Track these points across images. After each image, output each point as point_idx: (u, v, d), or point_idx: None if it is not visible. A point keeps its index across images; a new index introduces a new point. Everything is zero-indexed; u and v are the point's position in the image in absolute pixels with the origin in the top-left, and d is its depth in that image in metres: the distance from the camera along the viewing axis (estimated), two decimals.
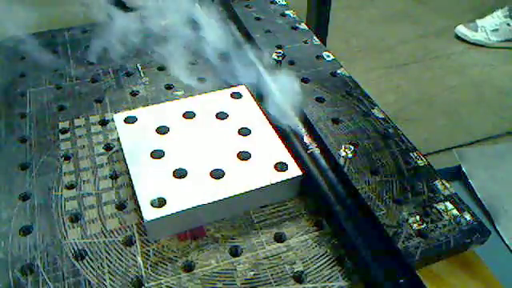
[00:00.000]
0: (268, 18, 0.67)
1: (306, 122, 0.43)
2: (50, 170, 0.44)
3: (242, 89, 0.48)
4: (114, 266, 0.37)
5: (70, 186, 0.43)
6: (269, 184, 0.39)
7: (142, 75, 0.56)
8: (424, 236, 0.39)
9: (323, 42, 1.04)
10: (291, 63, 0.58)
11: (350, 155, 0.41)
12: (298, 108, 0.44)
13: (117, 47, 0.55)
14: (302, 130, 0.42)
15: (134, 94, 0.53)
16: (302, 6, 1.08)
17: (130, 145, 0.42)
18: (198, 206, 0.37)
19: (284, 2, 0.71)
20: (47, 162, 0.45)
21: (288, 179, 0.40)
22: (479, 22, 1.66)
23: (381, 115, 0.51)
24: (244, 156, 0.41)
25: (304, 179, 0.40)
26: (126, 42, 0.56)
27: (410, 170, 0.45)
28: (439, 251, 0.38)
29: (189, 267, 0.37)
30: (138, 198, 0.37)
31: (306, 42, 0.62)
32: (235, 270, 0.36)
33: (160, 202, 0.37)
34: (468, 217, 0.41)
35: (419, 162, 0.46)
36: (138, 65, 0.58)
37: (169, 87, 0.54)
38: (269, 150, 0.42)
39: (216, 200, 0.38)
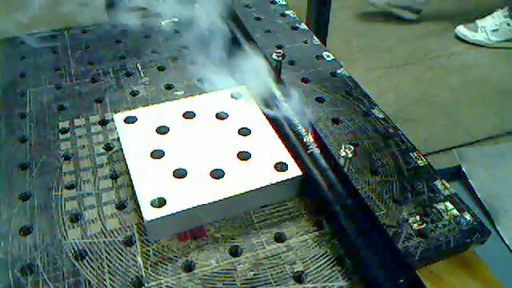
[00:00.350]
0: (268, 18, 0.67)
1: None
2: (50, 170, 0.44)
3: (242, 89, 0.48)
4: (114, 265, 0.37)
5: (70, 186, 0.43)
6: (269, 184, 0.39)
7: (142, 75, 0.56)
8: (424, 236, 0.39)
9: (323, 42, 1.04)
10: (291, 63, 0.58)
11: (350, 155, 0.41)
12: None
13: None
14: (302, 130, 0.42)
15: (133, 94, 0.53)
16: (302, 6, 1.08)
17: (130, 145, 0.42)
18: (198, 205, 0.37)
19: (284, 2, 0.71)
20: (47, 162, 0.45)
21: (288, 179, 0.40)
22: (479, 22, 1.66)
23: (381, 115, 0.51)
24: (244, 156, 0.41)
25: (304, 179, 0.40)
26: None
27: (410, 170, 0.45)
28: (439, 251, 0.38)
29: (189, 267, 0.37)
30: (138, 198, 0.37)
31: (306, 42, 0.62)
32: (235, 270, 0.36)
33: (160, 202, 0.37)
34: (468, 217, 0.41)
35: (419, 162, 0.46)
36: (138, 65, 0.58)
37: (169, 87, 0.54)
38: (269, 149, 0.42)
39: (216, 200, 0.38)
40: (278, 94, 0.45)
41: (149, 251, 0.38)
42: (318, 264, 0.37)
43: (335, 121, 0.50)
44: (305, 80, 0.56)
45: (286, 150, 0.42)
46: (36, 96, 0.53)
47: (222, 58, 0.53)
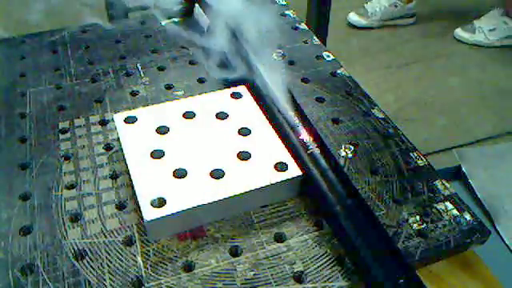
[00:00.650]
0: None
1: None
2: (50, 170, 0.44)
3: (241, 89, 0.48)
4: (114, 265, 0.37)
5: (70, 186, 0.43)
6: (269, 184, 0.39)
7: (142, 75, 0.56)
8: (424, 236, 0.39)
9: (323, 42, 1.04)
10: (291, 63, 0.58)
11: (350, 155, 0.41)
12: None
13: None
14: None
15: (134, 93, 0.53)
16: (302, 6, 1.08)
17: (130, 145, 0.42)
18: (198, 205, 0.37)
19: (284, 2, 0.71)
20: (47, 162, 0.45)
21: (288, 179, 0.40)
22: (476, 22, 1.66)
23: (381, 115, 0.51)
24: (244, 156, 0.41)
25: (304, 179, 0.40)
26: None
27: (410, 170, 0.45)
28: (439, 251, 0.38)
29: (189, 267, 0.37)
30: (138, 198, 0.37)
31: (306, 42, 0.62)
32: (235, 270, 0.36)
33: (160, 202, 0.37)
34: (468, 217, 0.41)
35: (419, 161, 0.46)
36: (138, 65, 0.58)
37: (169, 87, 0.54)
38: (269, 149, 0.42)
39: (216, 200, 0.38)
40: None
41: (149, 251, 0.38)
42: (318, 264, 0.37)
43: (335, 121, 0.50)
44: (305, 80, 0.56)
45: (286, 150, 0.42)
46: (36, 96, 0.53)
47: None
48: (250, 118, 0.45)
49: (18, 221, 0.40)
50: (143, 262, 0.37)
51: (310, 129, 0.42)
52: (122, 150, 0.43)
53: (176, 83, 0.55)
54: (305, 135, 0.41)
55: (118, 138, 0.44)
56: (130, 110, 0.47)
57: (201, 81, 0.55)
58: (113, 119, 0.46)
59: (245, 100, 0.47)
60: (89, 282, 0.35)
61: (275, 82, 0.44)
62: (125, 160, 0.41)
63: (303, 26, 0.66)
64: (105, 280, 0.36)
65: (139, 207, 0.37)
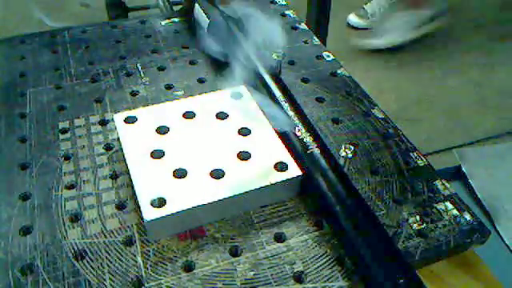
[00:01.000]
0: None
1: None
2: (50, 170, 0.44)
3: (241, 89, 0.48)
4: (114, 265, 0.37)
5: (70, 186, 0.43)
6: (269, 184, 0.39)
7: (142, 75, 0.56)
8: (424, 236, 0.39)
9: (323, 42, 1.04)
10: (291, 63, 0.58)
11: (350, 155, 0.41)
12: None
13: None
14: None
15: (133, 93, 0.53)
16: (302, 6, 1.08)
17: (130, 145, 0.42)
18: (198, 205, 0.37)
19: (284, 2, 0.71)
20: (47, 162, 0.45)
21: (288, 179, 0.40)
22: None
23: (381, 115, 0.51)
24: (244, 156, 0.41)
25: (304, 179, 0.40)
26: None
27: (410, 170, 0.45)
28: (439, 251, 0.38)
29: (189, 267, 0.37)
30: (138, 198, 0.37)
31: (306, 42, 0.62)
32: (235, 270, 0.36)
33: (160, 202, 0.37)
34: (468, 217, 0.41)
35: (419, 161, 0.46)
36: (138, 65, 0.58)
37: (169, 87, 0.54)
38: (269, 149, 0.42)
39: (216, 200, 0.38)
40: None
41: (149, 251, 0.38)
42: (318, 264, 0.37)
43: (335, 121, 0.50)
44: (305, 80, 0.56)
45: (286, 150, 0.42)
46: (36, 96, 0.53)
47: None
48: (249, 118, 0.45)
49: (17, 221, 0.40)
50: (143, 261, 0.37)
51: (310, 129, 0.42)
52: (121, 149, 0.43)
53: (176, 83, 0.55)
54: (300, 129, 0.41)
55: (118, 138, 0.44)
56: (130, 109, 0.47)
57: (201, 81, 0.55)
58: (113, 119, 0.46)
59: (245, 100, 0.47)
60: (89, 282, 0.35)
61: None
62: (125, 160, 0.41)
63: (303, 25, 0.66)
64: (105, 280, 0.36)
65: (139, 207, 0.37)
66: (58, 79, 0.56)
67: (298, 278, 0.36)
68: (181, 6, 0.69)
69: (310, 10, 1.13)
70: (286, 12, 0.69)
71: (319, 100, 0.53)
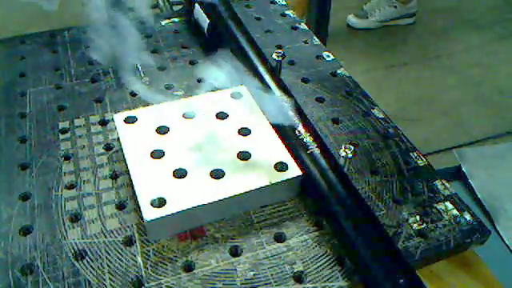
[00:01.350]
0: (268, 18, 0.67)
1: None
2: (50, 170, 0.44)
3: (241, 89, 0.48)
4: (114, 265, 0.37)
5: (70, 186, 0.43)
6: (269, 184, 0.39)
7: (142, 75, 0.56)
8: (424, 236, 0.39)
9: (323, 42, 1.04)
10: (291, 63, 0.58)
11: (350, 155, 0.41)
12: None
13: None
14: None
15: (134, 94, 0.53)
16: None
17: (130, 145, 0.42)
18: (198, 205, 0.37)
19: (284, 2, 0.71)
20: (47, 162, 0.45)
21: (288, 179, 0.40)
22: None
23: (381, 115, 0.51)
24: (244, 156, 0.41)
25: (304, 179, 0.40)
26: None
27: (410, 170, 0.45)
28: (439, 251, 0.38)
29: (189, 267, 0.37)
30: (138, 198, 0.37)
31: (306, 42, 0.62)
32: (235, 270, 0.36)
33: (160, 202, 0.37)
34: (468, 217, 0.41)
35: (419, 161, 0.46)
36: (138, 65, 0.58)
37: (169, 87, 0.54)
38: (269, 149, 0.42)
39: (216, 200, 0.38)
40: None
41: (149, 251, 0.38)
42: (318, 264, 0.37)
43: (335, 121, 0.50)
44: (305, 80, 0.56)
45: (286, 150, 0.42)
46: (36, 96, 0.53)
47: None
48: (249, 118, 0.45)
49: (18, 221, 0.40)
50: (143, 261, 0.37)
51: (310, 129, 0.42)
52: (122, 149, 0.43)
53: (176, 83, 0.55)
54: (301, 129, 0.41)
55: (118, 138, 0.44)
56: (130, 110, 0.47)
57: (201, 81, 0.55)
58: (113, 119, 0.46)
59: (245, 100, 0.47)
60: (89, 282, 0.35)
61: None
62: (125, 160, 0.41)
63: (303, 26, 0.66)
64: (105, 280, 0.36)
65: (139, 207, 0.37)
66: (58, 79, 0.56)
67: (298, 278, 0.36)
68: (181, 6, 0.69)
69: (310, 10, 1.13)
70: (286, 12, 0.69)
71: (319, 100, 0.53)
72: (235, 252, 0.38)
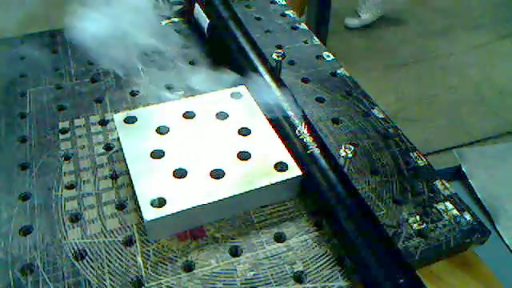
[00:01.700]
0: (268, 18, 0.67)
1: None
2: (50, 170, 0.44)
3: (241, 89, 0.48)
4: (114, 265, 0.37)
5: (70, 186, 0.43)
6: (269, 184, 0.39)
7: (142, 75, 0.56)
8: (424, 236, 0.39)
9: (323, 42, 1.04)
10: (291, 63, 0.58)
11: (350, 155, 0.41)
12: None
13: None
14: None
15: (133, 94, 0.53)
16: None
17: (130, 145, 0.42)
18: (198, 205, 0.37)
19: (284, 2, 0.71)
20: (47, 162, 0.45)
21: (288, 179, 0.40)
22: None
23: (381, 115, 0.51)
24: (244, 156, 0.41)
25: (304, 179, 0.40)
26: None
27: (410, 170, 0.45)
28: (439, 251, 0.38)
29: (189, 267, 0.37)
30: (138, 198, 0.37)
31: (306, 42, 0.62)
32: (235, 270, 0.36)
33: (160, 202, 0.37)
34: (468, 217, 0.41)
35: (419, 161, 0.46)
36: (138, 65, 0.58)
37: (169, 87, 0.54)
38: (269, 149, 0.42)
39: (216, 200, 0.38)
40: None
41: (149, 251, 0.38)
42: (318, 264, 0.37)
43: (335, 121, 0.50)
44: (305, 80, 0.56)
45: (286, 150, 0.42)
46: (36, 96, 0.53)
47: None
48: (249, 118, 0.45)
49: (18, 221, 0.40)
50: (143, 261, 0.37)
51: (310, 129, 0.42)
52: (121, 149, 0.43)
53: (176, 83, 0.55)
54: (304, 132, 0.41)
55: (118, 138, 0.44)
56: (130, 110, 0.47)
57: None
58: (113, 119, 0.46)
59: (245, 100, 0.47)
60: (89, 282, 0.35)
61: None
62: (125, 160, 0.41)
63: (303, 26, 0.66)
64: (105, 280, 0.36)
65: (139, 207, 0.37)
66: (58, 79, 0.56)
67: (298, 278, 0.36)
68: (181, 6, 0.69)
69: (309, 10, 1.13)
70: (286, 12, 0.69)
71: (319, 100, 0.53)
72: (235, 252, 0.38)
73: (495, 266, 0.41)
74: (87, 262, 0.37)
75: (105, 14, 0.48)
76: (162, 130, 0.43)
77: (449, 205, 0.42)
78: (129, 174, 0.40)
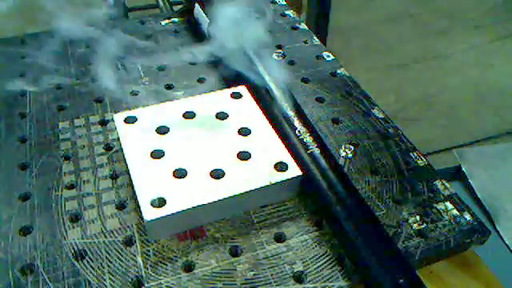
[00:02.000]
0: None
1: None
2: (50, 170, 0.44)
3: (241, 89, 0.48)
4: (114, 265, 0.37)
5: (70, 186, 0.43)
6: (269, 184, 0.39)
7: (142, 75, 0.56)
8: (424, 236, 0.39)
9: (323, 42, 1.04)
10: (291, 63, 0.58)
11: (350, 155, 0.41)
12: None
13: None
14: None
15: (134, 94, 0.53)
16: None
17: (130, 145, 0.42)
18: (198, 205, 0.37)
19: (284, 2, 0.71)
20: (47, 162, 0.45)
21: (288, 179, 0.40)
22: None
23: (381, 115, 0.51)
24: (244, 156, 0.41)
25: (304, 179, 0.40)
26: None
27: (410, 170, 0.45)
28: (439, 251, 0.38)
29: (189, 267, 0.37)
30: (138, 198, 0.37)
31: (306, 42, 0.62)
32: (235, 269, 0.36)
33: (160, 202, 0.37)
34: (468, 217, 0.41)
35: (419, 161, 0.46)
36: (138, 65, 0.58)
37: (169, 87, 0.54)
38: (269, 149, 0.42)
39: (216, 200, 0.38)
40: None
41: (149, 251, 0.38)
42: (318, 264, 0.37)
43: (335, 121, 0.50)
44: (305, 80, 0.56)
45: (286, 150, 0.42)
46: (36, 96, 0.53)
47: None
48: (249, 118, 0.45)
49: (18, 221, 0.40)
50: (143, 261, 0.37)
51: (310, 129, 0.42)
52: (121, 149, 0.43)
53: (176, 83, 0.55)
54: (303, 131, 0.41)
55: (118, 138, 0.44)
56: (129, 110, 0.47)
57: (201, 81, 0.55)
58: (113, 119, 0.46)
59: (245, 100, 0.47)
60: (89, 282, 0.35)
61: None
62: (125, 160, 0.41)
63: (303, 26, 0.66)
64: (105, 280, 0.36)
65: (139, 207, 0.37)
66: (58, 79, 0.55)
67: (298, 278, 0.36)
68: (181, 6, 0.69)
69: (309, 10, 1.13)
70: (286, 12, 0.69)
71: (319, 100, 0.53)
72: (235, 252, 0.38)
73: (495, 266, 0.41)
74: (87, 261, 0.37)
75: None
76: (161, 130, 0.43)
77: (449, 205, 0.42)
78: (129, 173, 0.40)
